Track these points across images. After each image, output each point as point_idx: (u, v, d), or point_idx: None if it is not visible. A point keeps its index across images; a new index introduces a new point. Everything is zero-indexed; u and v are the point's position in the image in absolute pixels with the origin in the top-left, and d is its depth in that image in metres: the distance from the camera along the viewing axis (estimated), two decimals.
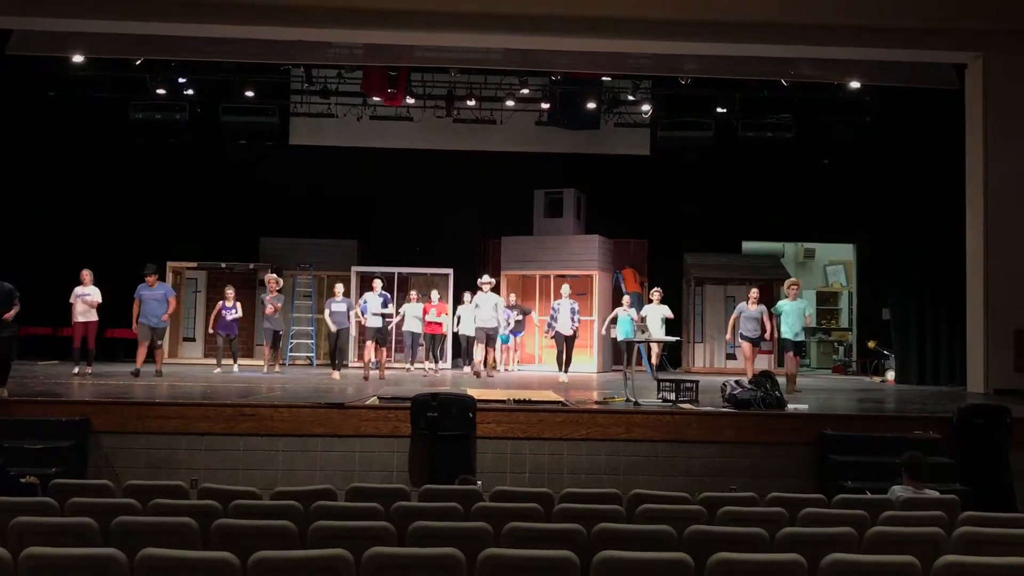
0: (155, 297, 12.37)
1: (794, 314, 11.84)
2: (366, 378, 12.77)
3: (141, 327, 12.35)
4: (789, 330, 11.88)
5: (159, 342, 12.64)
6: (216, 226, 16.40)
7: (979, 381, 11.95)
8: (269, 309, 13.63)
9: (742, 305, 12.29)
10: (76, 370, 12.26)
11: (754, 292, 12.36)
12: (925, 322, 14.08)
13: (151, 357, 12.69)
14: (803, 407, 9.71)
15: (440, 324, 14.54)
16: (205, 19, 11.51)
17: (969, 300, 12.36)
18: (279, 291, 13.92)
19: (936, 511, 5.41)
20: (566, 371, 13.60)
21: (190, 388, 11.00)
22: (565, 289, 13.87)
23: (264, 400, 9.40)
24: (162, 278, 15.69)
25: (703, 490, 6.31)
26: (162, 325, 12.51)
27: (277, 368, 14.02)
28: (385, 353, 13.45)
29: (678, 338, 13.90)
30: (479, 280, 14.18)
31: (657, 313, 14.00)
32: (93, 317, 12.31)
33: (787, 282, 12.45)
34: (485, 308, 13.76)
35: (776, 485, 7.40)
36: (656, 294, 14.26)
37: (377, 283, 13.42)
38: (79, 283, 12.30)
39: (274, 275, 14.17)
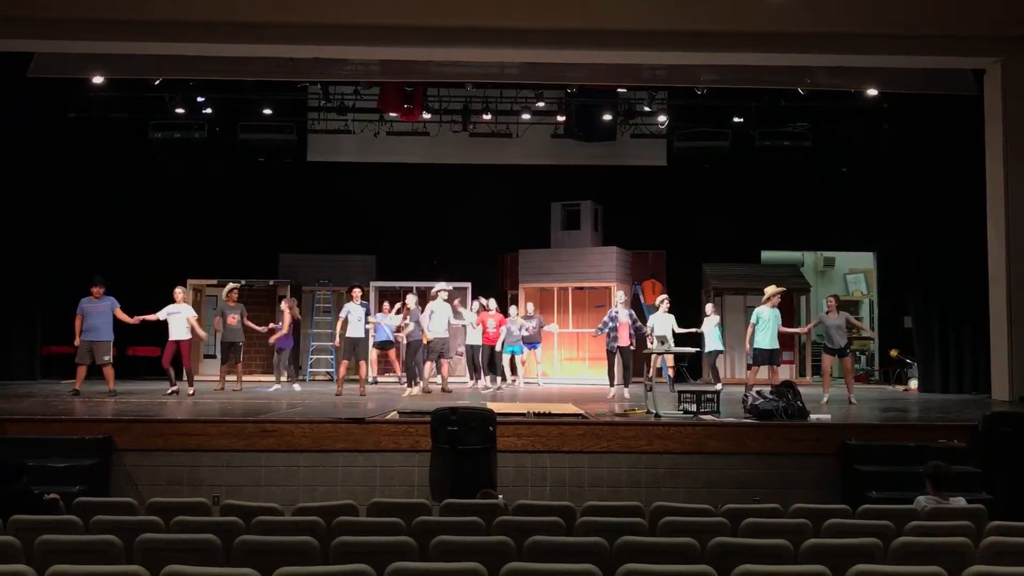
0: (99, 310, 11.70)
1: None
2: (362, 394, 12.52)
3: (81, 344, 11.59)
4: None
5: (105, 358, 11.77)
6: (235, 243, 16.48)
7: (1004, 389, 11.82)
8: (231, 320, 13.13)
9: (822, 315, 12.24)
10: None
11: (831, 299, 12.25)
12: (948, 329, 13.96)
13: (98, 375, 12.08)
14: (826, 417, 9.65)
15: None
16: (222, 39, 11.60)
17: (992, 307, 12.24)
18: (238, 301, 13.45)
19: (963, 521, 5.35)
20: (627, 385, 12.78)
21: (211, 405, 11.04)
22: (620, 296, 13.22)
23: (285, 416, 9.43)
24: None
25: (726, 502, 6.28)
26: (107, 339, 11.76)
27: (234, 386, 13.32)
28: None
29: (698, 349, 13.76)
30: (433, 289, 13.66)
31: (667, 322, 13.77)
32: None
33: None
34: (440, 318, 13.25)
35: (799, 496, 7.35)
36: (665, 303, 13.64)
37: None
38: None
39: (236, 285, 13.63)
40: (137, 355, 15.19)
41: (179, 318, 12.21)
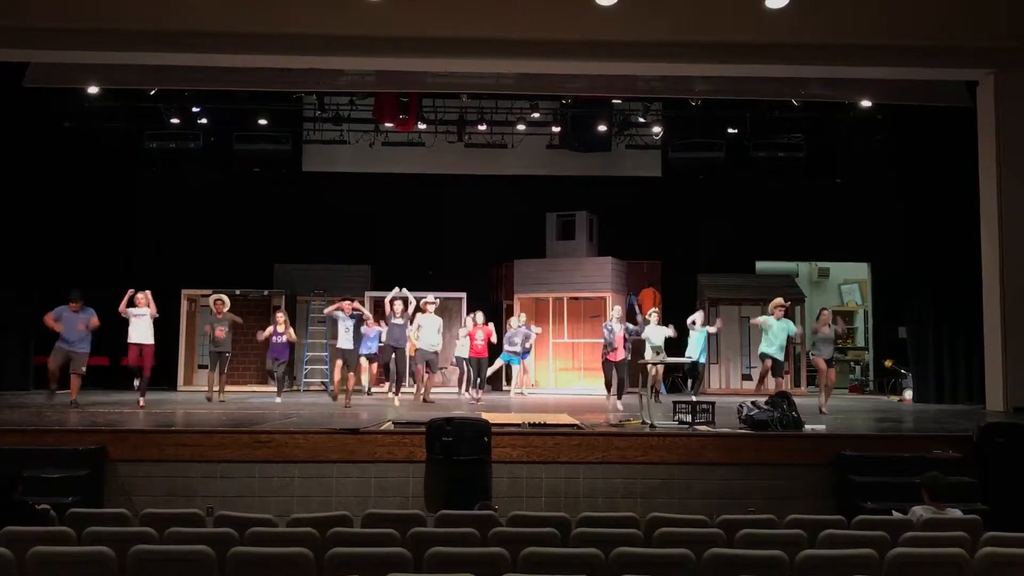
0: (77, 325, 11.60)
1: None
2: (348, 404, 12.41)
3: (57, 351, 11.57)
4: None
5: (82, 368, 11.73)
6: (230, 253, 16.47)
7: (998, 399, 11.83)
8: (219, 332, 13.15)
9: (816, 326, 12.20)
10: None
11: (826, 313, 12.23)
12: (942, 340, 13.99)
13: (65, 383, 11.83)
14: (821, 427, 9.65)
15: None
16: (218, 49, 11.62)
17: (986, 317, 12.27)
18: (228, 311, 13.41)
19: (958, 531, 5.35)
20: (620, 397, 12.58)
21: (205, 416, 11.00)
22: (616, 311, 13.10)
23: (279, 427, 9.40)
24: (176, 306, 15.84)
25: (721, 513, 6.26)
26: (85, 350, 11.69)
27: (222, 397, 13.27)
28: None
29: (691, 358, 13.63)
30: (422, 301, 13.56)
31: (660, 334, 13.69)
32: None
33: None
34: (428, 331, 13.28)
35: (795, 507, 7.33)
36: (655, 315, 13.77)
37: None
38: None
39: (222, 297, 13.55)
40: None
41: (144, 320, 11.87)
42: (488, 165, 17.13)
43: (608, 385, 12.85)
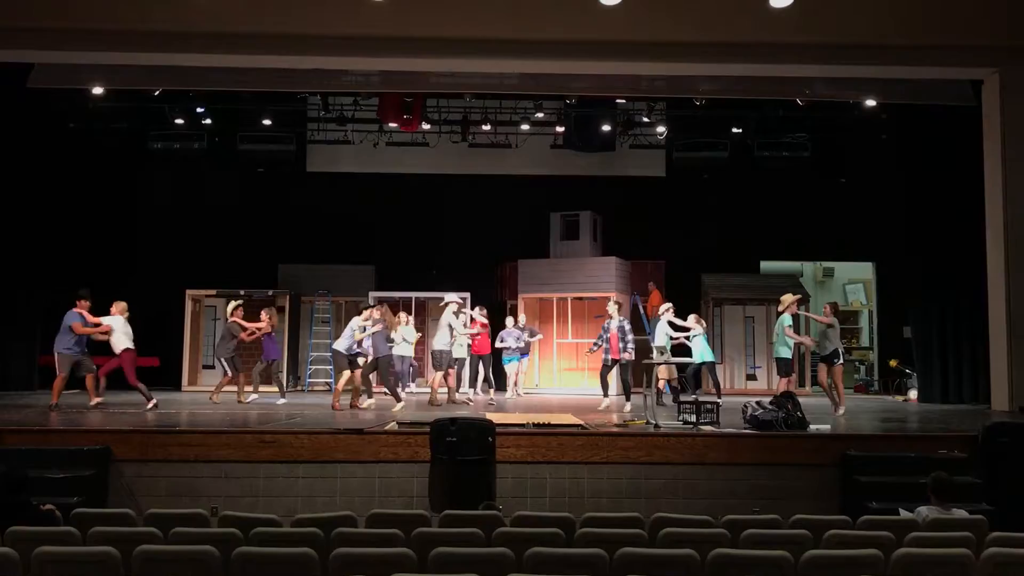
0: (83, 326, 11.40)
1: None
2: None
3: (65, 359, 11.26)
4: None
5: (93, 367, 11.53)
6: (234, 253, 16.48)
7: (1003, 399, 11.81)
8: (243, 336, 13.19)
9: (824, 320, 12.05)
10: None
11: (827, 307, 12.13)
12: (947, 339, 13.97)
13: (77, 385, 11.74)
14: (825, 427, 9.64)
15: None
16: (222, 50, 11.63)
17: (991, 317, 12.24)
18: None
19: (964, 532, 5.34)
20: (628, 399, 12.03)
21: (210, 416, 11.01)
22: (612, 307, 12.73)
23: (284, 427, 9.41)
24: (181, 306, 15.85)
25: (726, 513, 6.25)
26: (84, 349, 11.43)
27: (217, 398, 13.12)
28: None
29: (690, 360, 13.44)
30: (444, 301, 13.36)
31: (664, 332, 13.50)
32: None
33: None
34: (442, 331, 13.09)
35: (799, 507, 7.32)
36: (669, 312, 13.32)
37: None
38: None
39: (239, 302, 13.57)
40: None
41: (115, 333, 11.53)
42: (492, 165, 17.13)
43: (604, 387, 12.48)
